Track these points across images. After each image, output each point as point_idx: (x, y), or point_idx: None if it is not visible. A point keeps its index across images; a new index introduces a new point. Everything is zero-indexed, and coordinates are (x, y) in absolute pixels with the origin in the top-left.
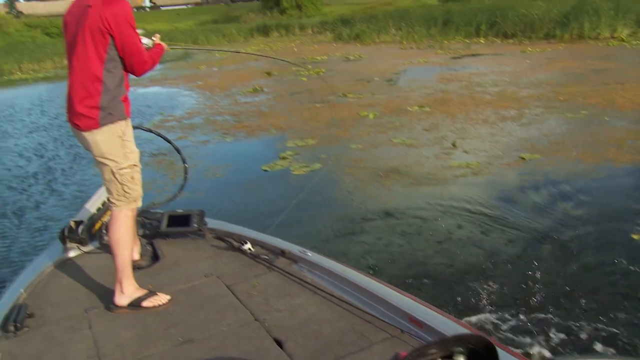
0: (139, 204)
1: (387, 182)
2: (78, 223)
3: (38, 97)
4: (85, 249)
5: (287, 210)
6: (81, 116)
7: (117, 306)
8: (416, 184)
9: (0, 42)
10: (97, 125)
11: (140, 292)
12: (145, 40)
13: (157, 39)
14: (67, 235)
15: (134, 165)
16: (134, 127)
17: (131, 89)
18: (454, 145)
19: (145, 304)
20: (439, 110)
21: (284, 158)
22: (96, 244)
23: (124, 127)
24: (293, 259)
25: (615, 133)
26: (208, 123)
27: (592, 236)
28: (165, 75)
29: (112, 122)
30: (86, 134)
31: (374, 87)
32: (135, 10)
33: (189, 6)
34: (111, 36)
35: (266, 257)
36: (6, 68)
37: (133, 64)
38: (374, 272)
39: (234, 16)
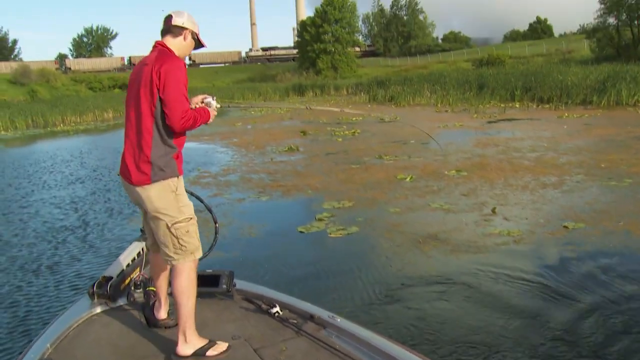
0: (199, 255)
1: (426, 249)
2: (107, 279)
3: (78, 148)
4: (114, 305)
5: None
6: (134, 170)
7: (180, 356)
8: (456, 251)
9: (48, 96)
10: (148, 180)
11: (203, 342)
12: (209, 100)
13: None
14: (96, 291)
15: (189, 218)
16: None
17: None
18: (493, 211)
19: (209, 353)
20: (477, 175)
21: (320, 219)
22: (124, 300)
23: (177, 183)
24: (322, 324)
25: None
26: (244, 181)
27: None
28: (201, 132)
29: (164, 178)
30: (139, 189)
31: (410, 150)
32: None
33: (227, 64)
34: (159, 90)
35: (295, 321)
36: (51, 120)
37: (171, 115)
38: (411, 341)
39: (270, 75)
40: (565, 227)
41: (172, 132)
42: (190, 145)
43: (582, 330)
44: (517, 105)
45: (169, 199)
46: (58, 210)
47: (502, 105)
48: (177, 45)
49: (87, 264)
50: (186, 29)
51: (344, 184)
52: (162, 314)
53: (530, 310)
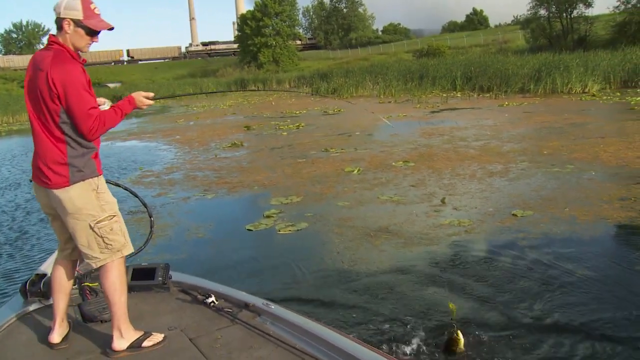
0: (127, 251)
1: (378, 242)
2: (41, 276)
3: (10, 151)
4: (47, 302)
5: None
6: (50, 174)
7: (115, 351)
8: (408, 244)
9: None
10: (67, 182)
11: (138, 334)
12: (101, 103)
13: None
14: (29, 289)
15: (112, 216)
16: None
17: (109, 142)
18: (443, 201)
19: (145, 344)
20: (425, 166)
21: (268, 217)
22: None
23: (97, 182)
24: (257, 311)
25: (604, 189)
26: (188, 179)
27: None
28: (143, 129)
29: (83, 179)
30: (57, 192)
31: (356, 142)
32: (112, 63)
33: (166, 60)
34: (60, 102)
35: (230, 310)
36: None
37: (80, 127)
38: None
39: (211, 70)
40: (514, 215)
41: (85, 140)
42: (131, 144)
43: (538, 314)
44: (458, 95)
45: (90, 198)
46: None
47: (444, 95)
48: (65, 39)
49: (21, 264)
50: (64, 18)
51: (291, 179)
52: (56, 337)
53: (485, 297)
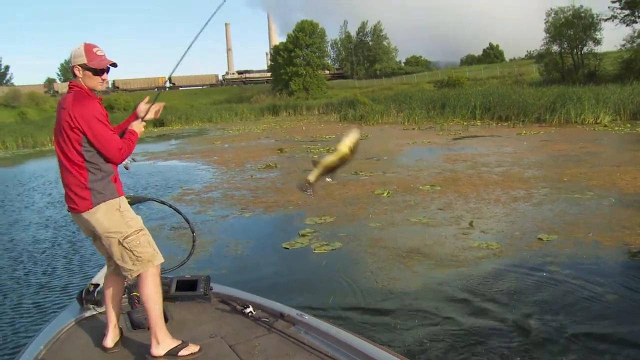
0: (157, 261)
1: (410, 263)
2: (95, 285)
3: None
4: (101, 310)
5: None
6: (76, 199)
7: (153, 357)
8: (440, 266)
9: (37, 117)
10: (90, 205)
11: (176, 343)
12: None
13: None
14: (84, 297)
15: (138, 230)
16: (148, 199)
17: (151, 161)
18: (471, 225)
19: (182, 353)
20: (450, 190)
21: (303, 235)
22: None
23: (119, 202)
24: (292, 321)
25: (625, 215)
26: (226, 198)
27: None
28: (182, 150)
29: (104, 200)
30: (85, 215)
31: (383, 166)
32: (155, 89)
33: (205, 87)
34: (83, 132)
35: (266, 319)
36: (39, 140)
37: (108, 155)
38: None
39: (245, 96)
40: (540, 239)
41: (104, 159)
42: (172, 163)
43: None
44: (478, 123)
45: (114, 216)
46: (47, 228)
47: (464, 123)
48: (79, 82)
49: (78, 275)
50: (74, 66)
51: (324, 200)
52: (109, 342)
53: (519, 321)
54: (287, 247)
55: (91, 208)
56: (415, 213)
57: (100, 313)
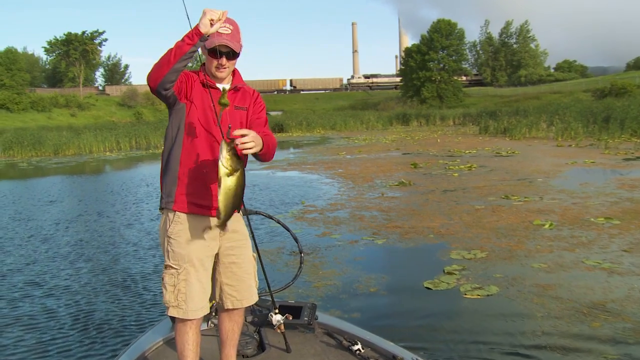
0: (174, 313)
1: (596, 324)
2: None
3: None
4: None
5: None
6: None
7: None
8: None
9: (152, 118)
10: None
11: None
12: None
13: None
14: None
15: (169, 267)
16: (255, 213)
17: (269, 171)
18: None
19: None
20: (634, 225)
21: (449, 273)
22: (204, 325)
23: (172, 218)
24: None
25: None
26: (354, 219)
27: None
28: (303, 160)
29: (166, 207)
30: None
31: (540, 190)
32: (275, 92)
33: (327, 91)
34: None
35: None
36: (153, 142)
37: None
38: None
39: (372, 103)
40: None
41: (176, 158)
42: (292, 174)
43: None
44: None
45: (162, 235)
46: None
47: (637, 140)
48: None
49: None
50: None
51: (471, 229)
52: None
53: None
54: (430, 286)
55: (159, 211)
56: (591, 254)
57: None
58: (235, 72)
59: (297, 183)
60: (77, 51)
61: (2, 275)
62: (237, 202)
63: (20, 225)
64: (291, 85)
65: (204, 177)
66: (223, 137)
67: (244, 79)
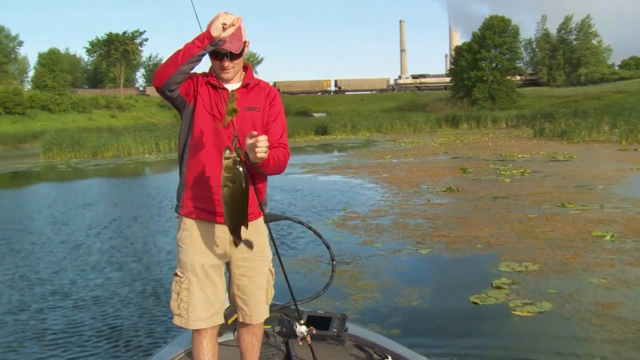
0: (178, 322)
1: None
2: None
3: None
4: (220, 339)
5: None
6: None
7: None
8: None
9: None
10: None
11: None
12: None
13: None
14: None
15: (177, 274)
16: (283, 218)
17: (311, 175)
18: None
19: None
20: None
21: (498, 287)
22: (230, 335)
23: (182, 224)
24: None
25: None
26: (398, 227)
27: None
28: (346, 163)
29: (176, 212)
30: None
31: (600, 197)
32: (319, 93)
33: (373, 92)
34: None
35: None
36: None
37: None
38: None
39: (420, 104)
40: None
41: (185, 162)
42: (334, 179)
43: None
44: None
45: (177, 240)
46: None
47: None
48: None
49: None
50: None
51: (523, 239)
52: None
53: None
54: (477, 301)
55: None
56: None
57: (219, 343)
58: (247, 68)
59: (340, 188)
60: (117, 51)
61: (30, 284)
62: (239, 214)
63: (54, 230)
64: (336, 85)
65: (209, 181)
66: (227, 146)
67: (286, 79)
